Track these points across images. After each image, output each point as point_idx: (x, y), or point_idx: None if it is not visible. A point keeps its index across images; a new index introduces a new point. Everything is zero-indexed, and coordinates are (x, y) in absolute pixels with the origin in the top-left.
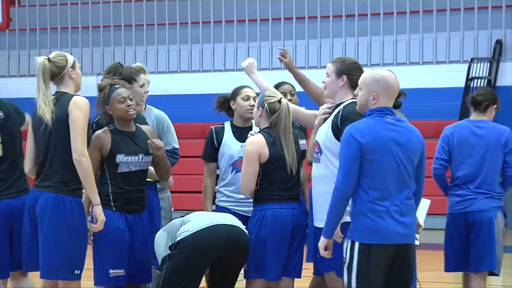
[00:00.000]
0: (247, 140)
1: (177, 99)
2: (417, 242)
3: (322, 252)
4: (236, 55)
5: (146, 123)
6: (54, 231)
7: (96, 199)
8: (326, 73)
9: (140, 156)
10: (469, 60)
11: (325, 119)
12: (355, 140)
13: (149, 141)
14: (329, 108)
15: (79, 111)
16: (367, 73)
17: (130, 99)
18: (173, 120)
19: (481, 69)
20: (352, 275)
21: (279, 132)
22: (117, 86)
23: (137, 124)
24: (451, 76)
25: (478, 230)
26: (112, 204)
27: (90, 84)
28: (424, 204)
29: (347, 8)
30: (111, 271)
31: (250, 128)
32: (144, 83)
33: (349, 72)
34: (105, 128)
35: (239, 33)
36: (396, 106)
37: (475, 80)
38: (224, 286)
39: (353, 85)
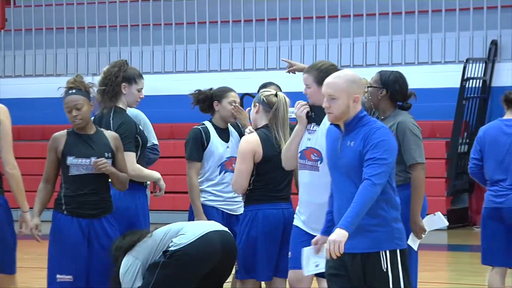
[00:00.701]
0: (243, 138)
1: (173, 100)
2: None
3: (337, 248)
4: (231, 56)
5: (132, 123)
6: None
7: (26, 206)
8: (306, 84)
9: (92, 159)
10: (465, 61)
11: (308, 115)
12: (396, 143)
13: (93, 160)
14: (304, 105)
15: (8, 120)
16: (336, 78)
17: (78, 109)
18: (169, 121)
19: (476, 70)
20: (401, 285)
21: (278, 125)
22: (70, 91)
23: (100, 129)
24: (447, 77)
25: (509, 226)
26: (63, 208)
27: None
28: (442, 222)
29: (342, 9)
30: (57, 276)
31: (228, 130)
32: (142, 88)
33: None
34: (65, 130)
35: (234, 34)
36: (406, 107)
37: (471, 81)
38: None
39: None
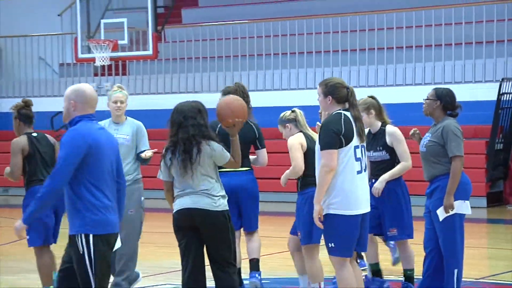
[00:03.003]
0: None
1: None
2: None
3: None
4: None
5: (251, 131)
6: None
7: None
8: (318, 94)
9: None
10: (500, 80)
11: None
12: (84, 141)
13: None
14: None
15: None
16: (69, 89)
17: None
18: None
19: (509, 87)
20: (92, 265)
21: None
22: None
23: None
24: (487, 92)
25: None
26: None
27: None
28: (467, 210)
29: (426, 39)
30: None
31: None
32: None
33: (333, 91)
34: None
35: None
36: (454, 115)
37: (505, 95)
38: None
39: (338, 100)
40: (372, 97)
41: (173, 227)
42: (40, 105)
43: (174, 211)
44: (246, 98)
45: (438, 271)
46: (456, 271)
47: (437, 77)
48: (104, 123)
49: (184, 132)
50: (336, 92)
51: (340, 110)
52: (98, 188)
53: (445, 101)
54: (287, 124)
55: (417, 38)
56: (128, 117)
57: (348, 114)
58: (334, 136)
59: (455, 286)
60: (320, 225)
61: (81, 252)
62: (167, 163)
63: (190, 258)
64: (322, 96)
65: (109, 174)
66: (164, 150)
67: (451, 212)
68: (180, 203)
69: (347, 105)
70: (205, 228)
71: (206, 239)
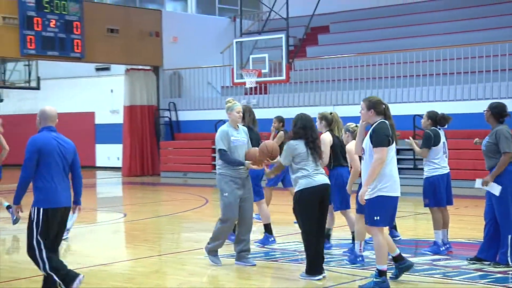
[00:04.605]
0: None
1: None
2: None
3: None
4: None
5: (253, 133)
6: None
7: None
8: (361, 108)
9: None
10: None
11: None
12: (35, 145)
13: None
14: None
15: None
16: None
17: None
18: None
19: None
20: (39, 228)
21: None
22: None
23: None
24: None
25: None
26: None
27: None
28: (498, 191)
29: (495, 66)
30: None
31: None
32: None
33: (374, 106)
34: None
35: None
36: (502, 121)
37: None
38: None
39: (378, 113)
40: (331, 113)
41: (305, 199)
42: (208, 115)
43: (310, 186)
44: (252, 115)
45: (495, 235)
46: (509, 236)
47: (494, 93)
48: (226, 127)
49: (315, 133)
50: (377, 106)
51: (382, 119)
52: (48, 175)
53: (494, 112)
54: (347, 132)
55: (479, 66)
56: (239, 125)
57: (387, 122)
58: (385, 137)
59: (509, 247)
60: (364, 201)
61: (31, 219)
62: (298, 153)
63: (321, 223)
64: (366, 109)
65: (57, 166)
66: (294, 144)
67: (485, 187)
68: (314, 181)
69: (383, 117)
70: (327, 198)
71: (324, 208)
